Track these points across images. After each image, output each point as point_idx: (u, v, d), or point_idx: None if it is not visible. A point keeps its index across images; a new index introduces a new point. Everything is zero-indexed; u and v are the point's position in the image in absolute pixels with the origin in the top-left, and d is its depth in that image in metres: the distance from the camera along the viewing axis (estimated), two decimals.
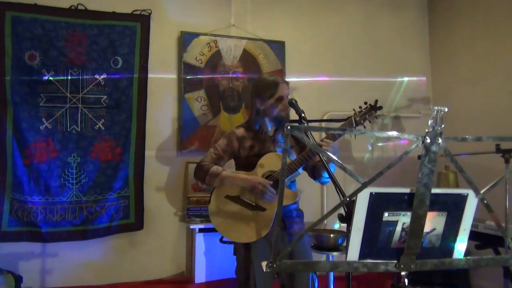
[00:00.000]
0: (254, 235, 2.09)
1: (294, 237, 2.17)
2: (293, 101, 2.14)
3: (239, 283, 2.17)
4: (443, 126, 1.08)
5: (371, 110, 2.20)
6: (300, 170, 2.13)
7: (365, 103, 2.23)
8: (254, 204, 2.12)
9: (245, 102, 3.44)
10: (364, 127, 2.22)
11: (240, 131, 2.28)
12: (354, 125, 2.17)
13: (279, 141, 2.28)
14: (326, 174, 2.18)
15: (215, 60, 3.40)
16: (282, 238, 2.14)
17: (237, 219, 2.13)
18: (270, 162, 2.17)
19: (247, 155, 2.23)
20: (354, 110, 2.23)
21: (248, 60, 3.48)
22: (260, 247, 2.09)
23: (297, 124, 1.99)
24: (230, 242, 2.20)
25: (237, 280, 2.20)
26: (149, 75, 3.19)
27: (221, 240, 2.29)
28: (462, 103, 3.65)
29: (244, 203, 2.13)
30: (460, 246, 1.24)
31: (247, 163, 2.22)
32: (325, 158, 1.86)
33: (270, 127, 2.26)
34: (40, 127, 2.94)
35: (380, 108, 2.24)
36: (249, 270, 2.09)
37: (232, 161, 2.37)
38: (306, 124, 2.07)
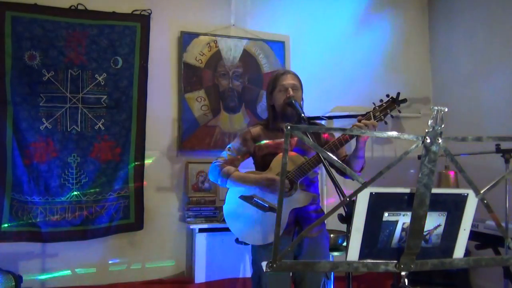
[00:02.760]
0: (267, 237, 2.04)
1: (311, 240, 2.09)
2: (293, 100, 2.11)
3: (254, 284, 2.14)
4: (443, 126, 1.08)
5: (394, 104, 1.97)
6: (317, 169, 2.05)
7: (387, 95, 2.00)
8: (267, 206, 2.05)
9: (245, 102, 3.45)
10: (386, 123, 2.02)
11: (256, 130, 2.22)
12: None
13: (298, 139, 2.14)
14: (356, 165, 2.08)
15: (215, 60, 3.40)
16: (300, 240, 2.06)
17: (251, 220, 2.08)
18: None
19: (263, 154, 2.17)
20: (374, 104, 2.01)
21: (248, 60, 3.48)
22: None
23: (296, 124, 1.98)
24: (245, 243, 2.15)
25: (252, 280, 2.17)
26: (149, 75, 3.19)
27: (236, 241, 2.25)
28: (462, 102, 3.65)
29: (257, 205, 2.07)
30: (460, 246, 1.24)
31: (264, 162, 2.16)
32: (325, 158, 1.84)
33: (284, 125, 2.19)
34: (40, 127, 2.94)
35: (404, 101, 1.98)
36: (262, 272, 2.06)
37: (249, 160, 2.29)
38: (306, 124, 2.04)
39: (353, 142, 2.07)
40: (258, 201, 2.08)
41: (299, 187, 2.06)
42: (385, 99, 2.00)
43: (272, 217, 2.06)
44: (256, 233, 2.08)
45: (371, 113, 1.98)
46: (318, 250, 2.11)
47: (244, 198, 2.11)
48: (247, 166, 2.28)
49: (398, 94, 1.99)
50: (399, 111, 2.04)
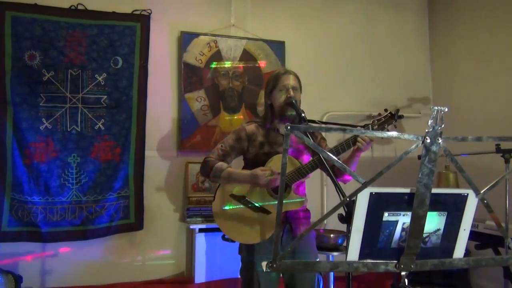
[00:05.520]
0: (258, 237, 2.05)
1: (301, 239, 2.13)
2: (293, 100, 2.11)
3: (243, 284, 2.14)
4: (443, 126, 1.08)
5: (391, 119, 2.06)
6: (310, 174, 2.06)
7: (385, 110, 2.09)
8: (259, 206, 2.06)
9: (245, 102, 3.45)
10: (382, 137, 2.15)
11: (251, 127, 2.19)
12: None
13: (291, 140, 2.16)
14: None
15: (215, 60, 3.40)
16: (289, 240, 2.09)
17: (241, 219, 2.08)
18: (279, 164, 2.10)
19: (256, 153, 2.15)
20: (372, 117, 2.12)
21: (248, 60, 3.48)
22: (264, 250, 2.03)
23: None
24: (232, 240, 2.16)
25: (241, 280, 2.17)
26: (149, 75, 3.19)
27: (223, 238, 2.25)
28: (462, 102, 3.65)
29: (248, 204, 2.08)
30: (460, 246, 1.24)
31: (255, 161, 2.13)
32: (325, 158, 1.84)
33: (281, 125, 2.18)
34: (40, 127, 2.94)
35: (401, 117, 2.08)
36: (253, 271, 2.07)
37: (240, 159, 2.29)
38: (306, 124, 2.03)
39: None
40: (250, 201, 2.08)
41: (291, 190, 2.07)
42: (384, 113, 2.09)
43: (261, 217, 2.07)
44: (243, 232, 2.09)
45: (369, 125, 2.06)
46: (308, 247, 2.13)
47: (235, 197, 2.11)
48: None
49: (398, 110, 2.09)
50: (395, 126, 2.13)
